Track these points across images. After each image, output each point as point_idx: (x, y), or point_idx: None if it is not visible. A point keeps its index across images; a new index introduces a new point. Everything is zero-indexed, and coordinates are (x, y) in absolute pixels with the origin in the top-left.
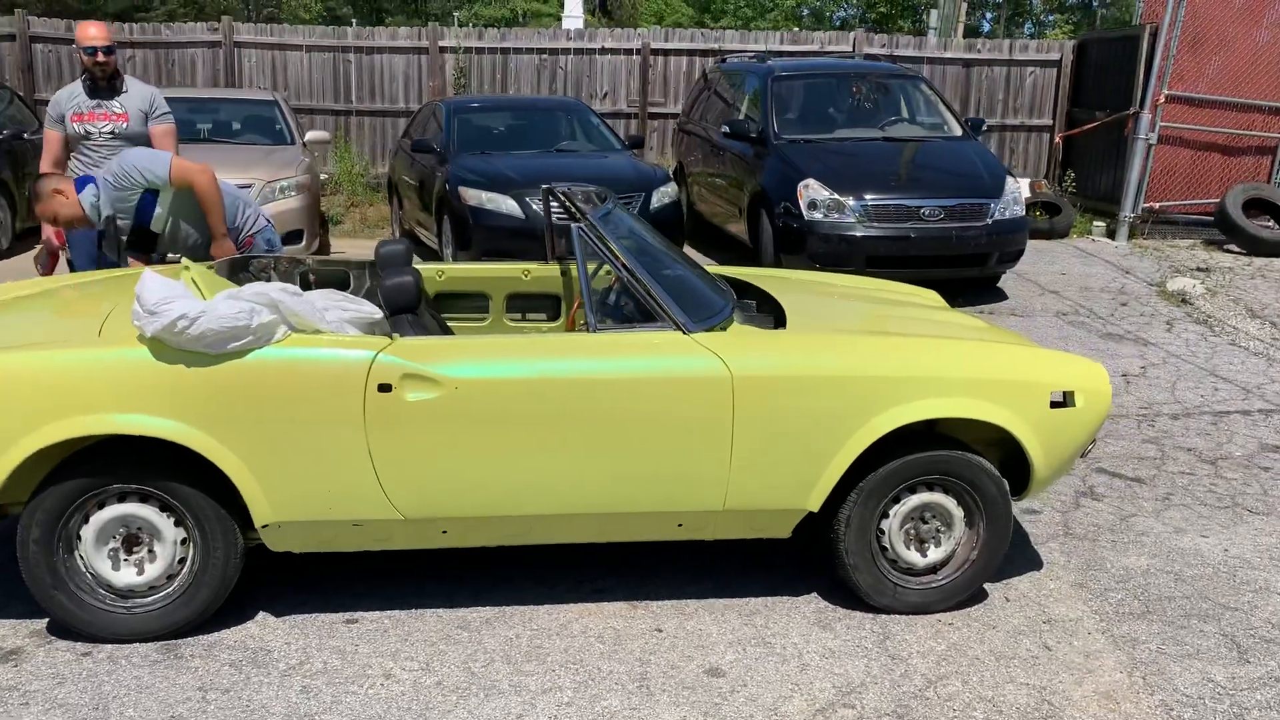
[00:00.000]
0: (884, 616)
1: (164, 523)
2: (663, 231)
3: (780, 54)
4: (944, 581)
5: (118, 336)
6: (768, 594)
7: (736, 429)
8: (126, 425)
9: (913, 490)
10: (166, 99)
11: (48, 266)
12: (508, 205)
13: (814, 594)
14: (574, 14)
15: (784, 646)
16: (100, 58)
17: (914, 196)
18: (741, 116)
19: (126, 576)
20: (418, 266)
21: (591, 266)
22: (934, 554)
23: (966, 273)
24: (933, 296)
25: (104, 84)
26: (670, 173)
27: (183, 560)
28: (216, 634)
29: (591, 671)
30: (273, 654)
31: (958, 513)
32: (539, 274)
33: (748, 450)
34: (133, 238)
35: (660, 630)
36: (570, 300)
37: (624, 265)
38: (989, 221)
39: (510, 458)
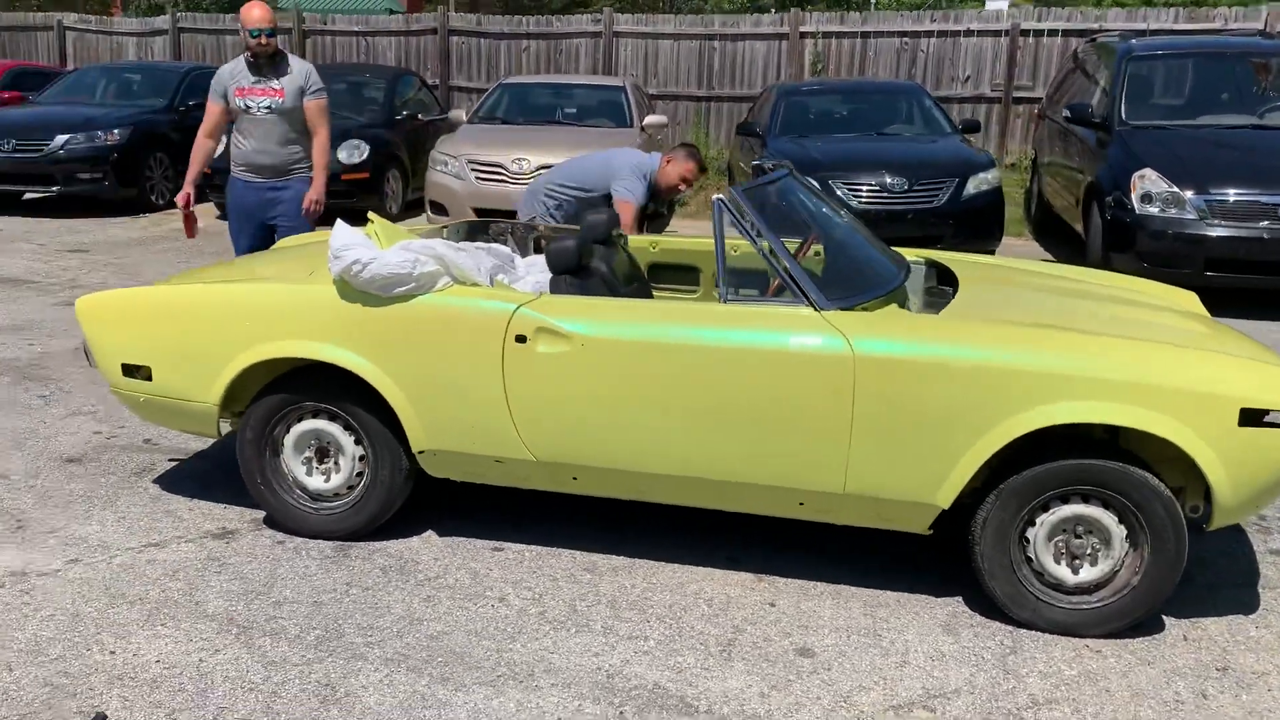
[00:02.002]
0: (1022, 632)
1: (346, 440)
2: (976, 219)
3: (1171, 32)
4: (1098, 604)
5: (320, 278)
6: (905, 590)
7: (857, 411)
8: (313, 351)
9: (1065, 500)
10: (541, 84)
11: (188, 229)
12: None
13: (957, 598)
14: None
15: (893, 641)
16: (264, 40)
17: (1271, 192)
18: (1095, 100)
19: (316, 482)
20: (638, 238)
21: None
22: (1087, 572)
23: None
24: (1190, 300)
25: (266, 62)
26: (994, 160)
27: (360, 474)
28: (384, 543)
29: (684, 629)
30: (419, 565)
31: (1118, 531)
32: (746, 249)
33: (869, 434)
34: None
35: (773, 605)
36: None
37: (760, 240)
38: None
39: (630, 415)
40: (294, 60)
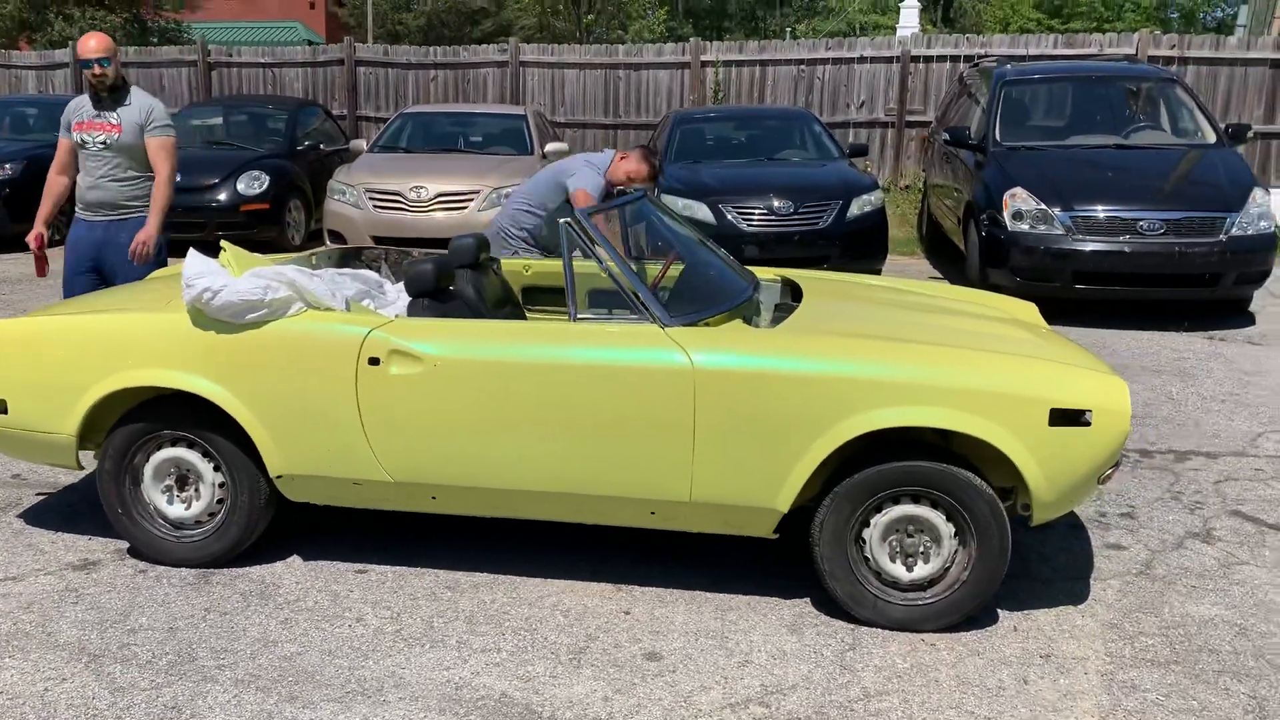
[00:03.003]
0: (863, 630)
1: (205, 467)
2: (860, 240)
3: (1050, 58)
4: (932, 600)
5: (176, 306)
6: (757, 594)
7: (699, 422)
8: (169, 380)
9: (897, 501)
10: (442, 113)
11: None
12: (702, 211)
13: (805, 600)
14: (909, 25)
15: (738, 642)
16: (97, 70)
17: (1133, 208)
18: (975, 122)
19: (177, 510)
20: (510, 261)
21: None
22: (921, 570)
23: (1196, 294)
24: (1028, 311)
25: (105, 95)
26: (878, 182)
27: (221, 501)
28: (247, 568)
29: (537, 640)
30: (281, 589)
31: (946, 529)
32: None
33: (710, 444)
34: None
35: (628, 613)
36: None
37: (605, 261)
38: (1222, 238)
39: (484, 433)
40: (137, 94)
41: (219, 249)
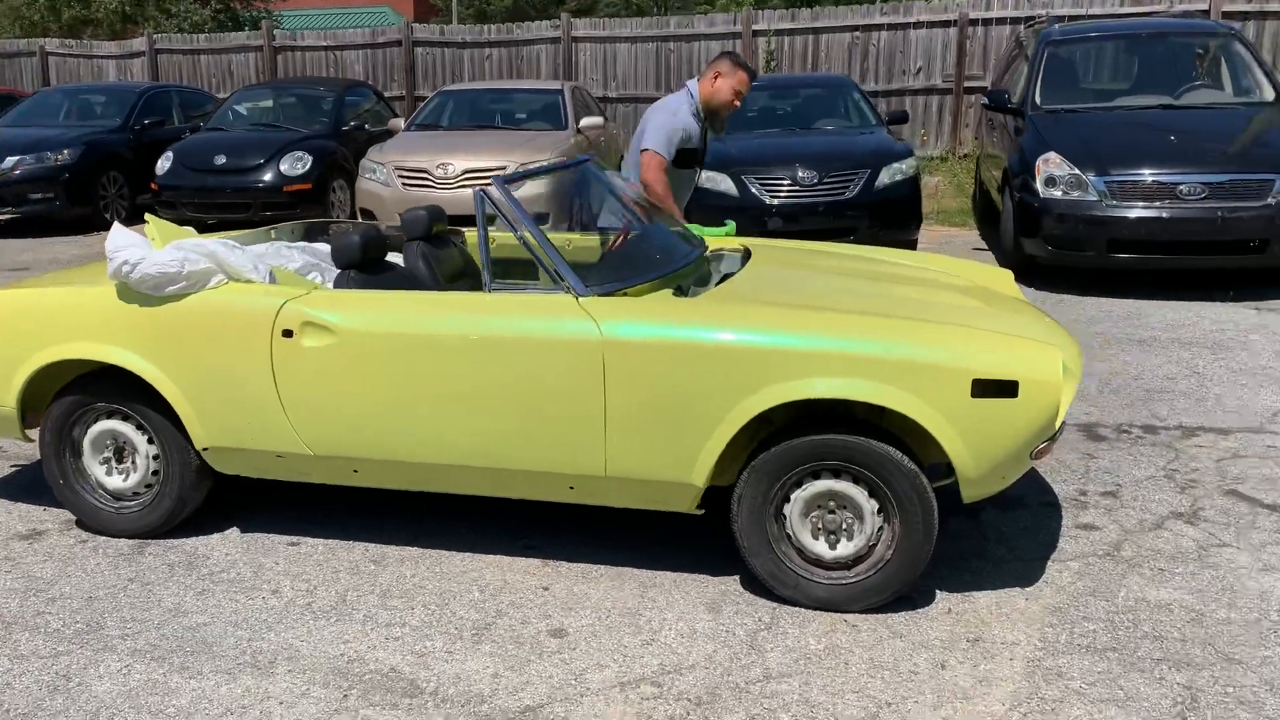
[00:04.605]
0: (785, 610)
1: (139, 439)
2: (889, 210)
3: (1115, 17)
4: (856, 579)
5: (106, 280)
6: (688, 571)
7: (610, 394)
8: (97, 353)
9: (817, 476)
10: (480, 90)
11: None
12: (725, 184)
13: (735, 578)
14: None
15: (650, 620)
16: None
17: (1172, 171)
18: (1018, 86)
19: (115, 481)
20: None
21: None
22: (844, 548)
23: (1244, 261)
24: (1002, 280)
25: None
26: (911, 149)
27: (156, 473)
28: (182, 540)
29: (444, 615)
30: (209, 561)
31: (869, 505)
32: (580, 244)
33: (622, 417)
34: None
35: (547, 589)
36: None
37: (521, 229)
38: (1271, 201)
39: (398, 406)
40: None
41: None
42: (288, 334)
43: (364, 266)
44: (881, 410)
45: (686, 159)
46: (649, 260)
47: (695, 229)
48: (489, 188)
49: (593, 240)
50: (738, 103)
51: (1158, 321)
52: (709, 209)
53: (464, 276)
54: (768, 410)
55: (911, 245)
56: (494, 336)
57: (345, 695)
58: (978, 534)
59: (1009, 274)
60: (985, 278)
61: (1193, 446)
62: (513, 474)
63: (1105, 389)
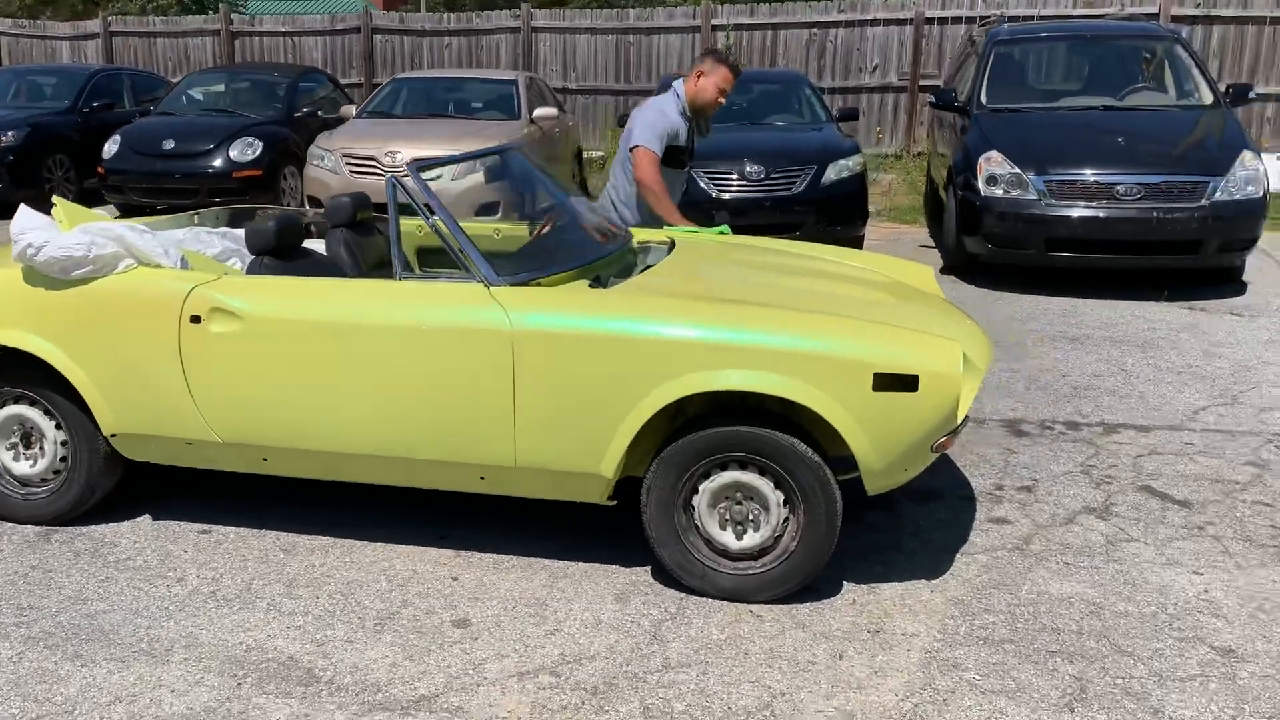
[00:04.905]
0: (691, 600)
1: (47, 425)
2: (835, 206)
3: (1066, 18)
4: (762, 569)
5: (11, 263)
6: (604, 561)
7: (519, 383)
8: (2, 336)
9: (725, 467)
10: (433, 79)
11: None
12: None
13: (646, 568)
14: None
15: (556, 611)
16: None
17: (1109, 172)
18: (965, 85)
19: (22, 468)
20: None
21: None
22: (751, 538)
23: (1178, 262)
24: (922, 276)
25: None
26: (859, 146)
27: (64, 459)
28: (92, 526)
29: (348, 605)
30: (117, 548)
31: (774, 496)
32: (509, 233)
33: (531, 407)
34: None
35: (456, 579)
36: None
37: (433, 217)
38: (1204, 203)
39: (306, 394)
40: None
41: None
42: (195, 320)
43: (279, 253)
44: (791, 403)
45: (674, 158)
46: (567, 250)
47: (689, 230)
48: (402, 175)
49: (523, 230)
50: (722, 100)
51: (1092, 320)
52: None
53: (388, 264)
54: (675, 402)
55: (858, 242)
56: (403, 325)
57: (239, 684)
58: (893, 526)
59: (929, 270)
60: (905, 274)
61: (1113, 443)
62: (423, 464)
63: (1033, 385)
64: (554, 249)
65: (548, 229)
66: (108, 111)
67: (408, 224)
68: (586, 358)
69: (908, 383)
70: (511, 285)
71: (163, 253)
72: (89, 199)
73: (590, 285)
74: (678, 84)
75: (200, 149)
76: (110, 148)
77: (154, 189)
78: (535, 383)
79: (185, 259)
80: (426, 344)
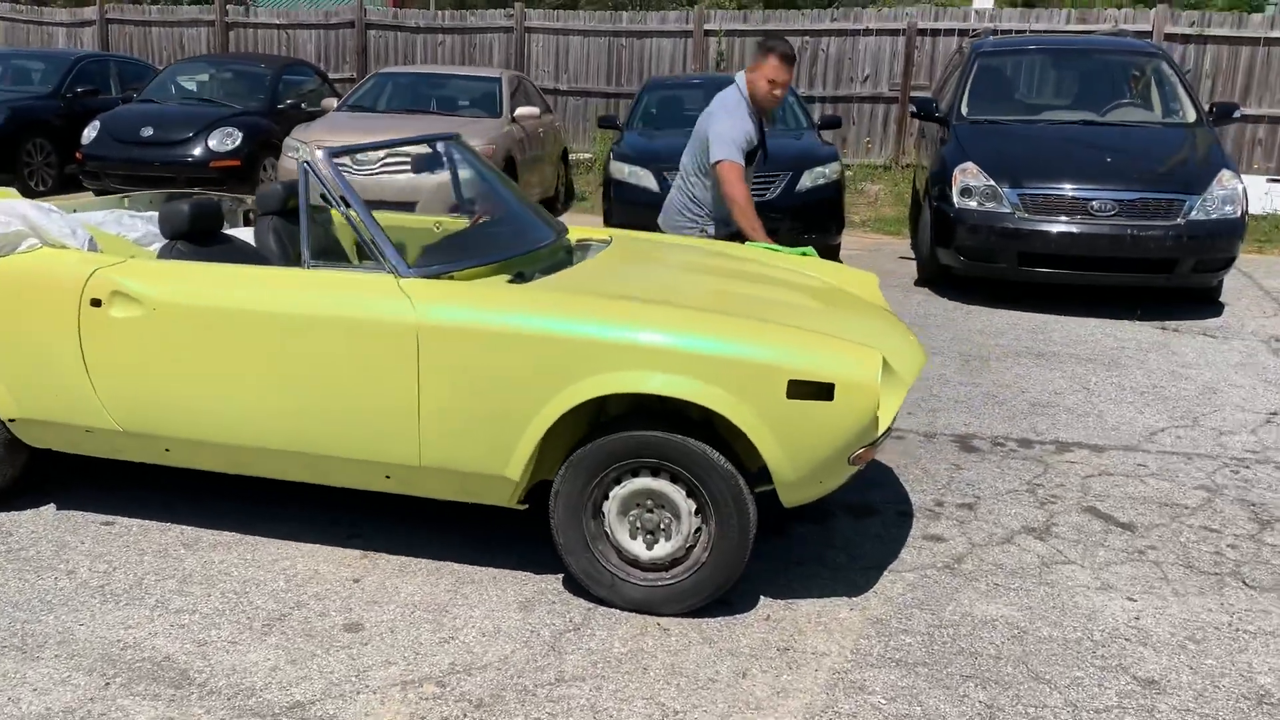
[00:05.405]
0: (599, 611)
1: None
2: (810, 213)
3: (1058, 33)
4: (673, 581)
5: None
6: (516, 567)
7: (423, 380)
8: None
9: (636, 474)
10: (417, 74)
11: None
12: (647, 179)
13: (558, 577)
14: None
15: (456, 617)
16: None
17: (1084, 187)
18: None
19: None
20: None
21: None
22: (662, 548)
23: (1152, 280)
24: (864, 283)
25: None
26: (837, 154)
27: None
28: None
29: (240, 604)
30: (11, 538)
31: (686, 505)
32: (449, 226)
33: (435, 404)
34: None
35: (357, 581)
36: None
37: (346, 205)
38: (1180, 221)
39: (207, 384)
40: None
41: None
42: (96, 303)
43: (194, 237)
44: (709, 410)
45: (748, 158)
46: (491, 244)
47: (775, 248)
48: (314, 160)
49: (463, 223)
50: (777, 92)
51: (1061, 336)
52: (629, 204)
53: (321, 255)
54: (589, 404)
55: (834, 251)
56: (306, 315)
57: (107, 683)
58: (822, 540)
59: (873, 278)
60: (847, 280)
61: (1063, 462)
62: (328, 460)
63: (990, 401)
64: (476, 242)
65: (481, 222)
66: (92, 97)
67: (413, 221)
68: (491, 354)
69: (823, 391)
70: (423, 278)
71: (69, 233)
72: (69, 184)
73: (511, 281)
74: (739, 78)
75: (179, 137)
76: (89, 133)
77: (131, 176)
78: (439, 379)
79: (94, 240)
80: (330, 335)
